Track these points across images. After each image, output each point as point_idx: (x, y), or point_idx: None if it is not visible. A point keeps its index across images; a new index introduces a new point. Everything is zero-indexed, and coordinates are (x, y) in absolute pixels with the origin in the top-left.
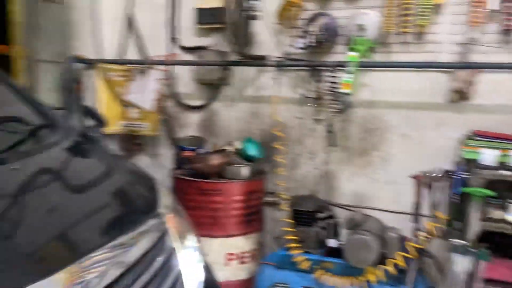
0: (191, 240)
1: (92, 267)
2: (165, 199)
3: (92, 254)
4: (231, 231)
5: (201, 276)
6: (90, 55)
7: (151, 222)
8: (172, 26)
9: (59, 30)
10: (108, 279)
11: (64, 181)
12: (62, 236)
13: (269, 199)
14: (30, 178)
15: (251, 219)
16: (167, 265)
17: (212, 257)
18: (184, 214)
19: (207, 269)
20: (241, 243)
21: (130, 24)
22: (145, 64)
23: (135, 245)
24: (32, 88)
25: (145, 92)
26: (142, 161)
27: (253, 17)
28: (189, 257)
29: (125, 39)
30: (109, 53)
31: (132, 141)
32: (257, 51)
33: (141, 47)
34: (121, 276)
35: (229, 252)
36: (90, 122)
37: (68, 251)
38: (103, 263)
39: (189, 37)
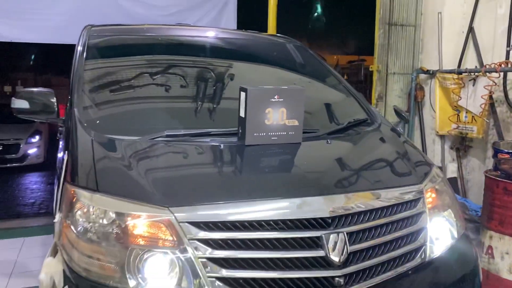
0: (448, 214)
1: (358, 200)
2: (433, 178)
3: (360, 192)
4: None
5: (448, 242)
6: (431, 66)
7: (412, 188)
8: (510, 34)
9: (407, 47)
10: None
11: (357, 150)
12: (351, 174)
13: None
14: (335, 147)
15: None
16: (412, 221)
17: None
18: (453, 196)
19: (468, 245)
20: None
21: (470, 36)
22: (477, 72)
23: (392, 197)
24: (383, 95)
25: (475, 97)
26: (470, 162)
27: None
28: (441, 224)
29: (463, 50)
30: (447, 64)
31: (461, 143)
32: None
33: (478, 56)
34: (369, 212)
35: None
36: (398, 119)
37: (348, 185)
38: (365, 200)
39: None
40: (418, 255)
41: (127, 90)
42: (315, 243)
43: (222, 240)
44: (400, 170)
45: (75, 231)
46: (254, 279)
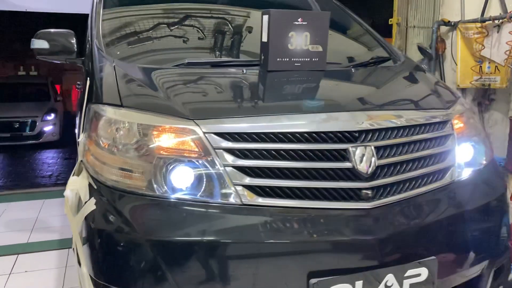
0: (476, 141)
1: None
2: (460, 107)
3: (387, 111)
4: None
5: (475, 167)
6: (453, 19)
7: (439, 112)
8: None
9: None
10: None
11: (383, 78)
12: (377, 96)
13: None
14: (360, 74)
15: None
16: (439, 142)
17: None
18: (480, 125)
19: (495, 173)
20: None
21: None
22: (502, 18)
23: (419, 118)
24: (403, 49)
25: (499, 46)
26: (493, 115)
27: None
28: (468, 149)
29: None
30: (469, 15)
31: (484, 96)
32: None
33: (502, 4)
34: (397, 129)
35: None
36: (423, 57)
37: (376, 104)
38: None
39: None
40: (447, 175)
41: (145, 30)
42: (341, 155)
43: (247, 149)
44: (427, 96)
45: (101, 146)
46: (279, 187)
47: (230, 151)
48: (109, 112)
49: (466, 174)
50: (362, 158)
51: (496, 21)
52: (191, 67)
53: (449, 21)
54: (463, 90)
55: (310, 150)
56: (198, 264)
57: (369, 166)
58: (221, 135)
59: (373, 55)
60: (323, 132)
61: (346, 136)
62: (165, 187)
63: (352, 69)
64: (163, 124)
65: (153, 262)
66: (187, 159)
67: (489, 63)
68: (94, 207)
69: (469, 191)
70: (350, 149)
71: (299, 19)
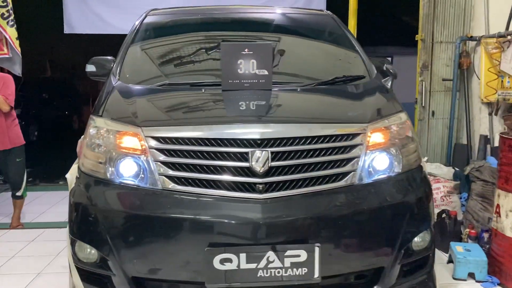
0: (395, 152)
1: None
2: (389, 121)
3: (294, 124)
4: None
5: (386, 173)
6: (483, 32)
7: (352, 125)
8: None
9: (456, 15)
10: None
11: (319, 95)
12: (295, 110)
13: None
14: (301, 93)
15: None
16: (343, 150)
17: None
18: (412, 140)
19: (410, 183)
20: None
21: None
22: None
23: (324, 130)
24: (429, 64)
25: None
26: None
27: None
28: (381, 158)
29: (511, 13)
30: (497, 28)
31: (510, 110)
32: None
33: None
34: (299, 139)
35: None
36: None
37: (288, 117)
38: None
39: None
40: (347, 178)
41: (155, 60)
42: (243, 157)
43: (173, 150)
44: (348, 111)
45: (87, 144)
46: (191, 178)
47: (160, 150)
48: (92, 119)
49: (372, 179)
50: (258, 159)
51: (509, 36)
52: (171, 87)
53: (471, 36)
54: (489, 105)
55: (219, 152)
56: (126, 229)
57: (263, 166)
58: (156, 138)
59: (351, 73)
60: (233, 139)
61: (250, 142)
62: (114, 173)
63: (298, 88)
64: (122, 129)
65: (100, 224)
66: (133, 155)
67: (509, 77)
68: (72, 185)
69: (366, 193)
70: (250, 152)
71: (246, 50)
